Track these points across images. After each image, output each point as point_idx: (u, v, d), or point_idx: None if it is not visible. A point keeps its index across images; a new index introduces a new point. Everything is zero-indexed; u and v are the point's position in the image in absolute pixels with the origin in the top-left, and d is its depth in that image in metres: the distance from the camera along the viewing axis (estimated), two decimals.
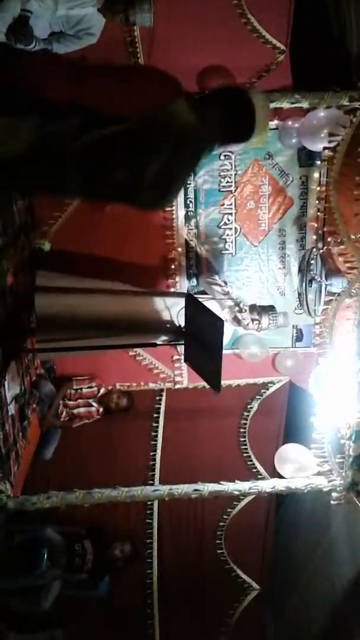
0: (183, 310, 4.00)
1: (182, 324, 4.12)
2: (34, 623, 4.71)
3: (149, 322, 4.30)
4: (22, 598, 4.48)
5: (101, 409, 4.88)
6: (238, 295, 4.69)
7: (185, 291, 4.75)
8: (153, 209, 3.62)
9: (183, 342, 4.15)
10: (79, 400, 4.86)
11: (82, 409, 4.86)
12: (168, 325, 4.31)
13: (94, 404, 4.87)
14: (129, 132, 2.37)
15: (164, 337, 4.34)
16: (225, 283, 4.49)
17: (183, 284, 4.82)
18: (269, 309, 4.40)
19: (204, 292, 4.62)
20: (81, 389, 4.87)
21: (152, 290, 4.62)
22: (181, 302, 4.17)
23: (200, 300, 4.10)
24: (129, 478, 4.64)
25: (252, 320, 4.32)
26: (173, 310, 4.26)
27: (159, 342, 4.32)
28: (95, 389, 4.90)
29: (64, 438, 4.88)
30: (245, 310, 4.34)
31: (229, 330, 4.54)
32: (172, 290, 4.79)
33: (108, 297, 4.24)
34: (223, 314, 4.24)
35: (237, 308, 4.28)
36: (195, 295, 4.26)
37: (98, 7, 3.53)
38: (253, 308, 4.40)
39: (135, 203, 2.54)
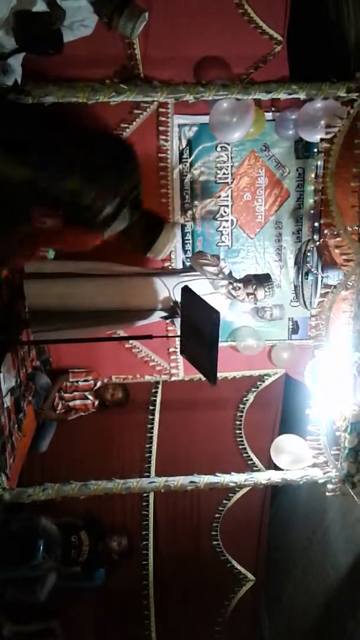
0: (179, 286, 3.89)
1: (178, 299, 4.01)
2: (30, 613, 4.73)
3: (143, 303, 4.19)
4: (17, 589, 4.50)
5: (97, 402, 4.87)
6: (231, 269, 4.42)
7: (180, 269, 4.65)
8: None
9: (179, 317, 4.05)
10: (75, 393, 4.85)
11: (77, 402, 4.85)
12: (164, 304, 4.20)
13: (90, 396, 4.86)
14: None
15: (160, 315, 4.25)
16: (218, 258, 4.27)
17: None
18: (264, 280, 4.16)
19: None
20: (77, 381, 4.87)
21: (146, 270, 4.54)
22: (176, 278, 4.10)
23: (191, 276, 4.03)
24: (125, 470, 4.65)
25: (248, 294, 4.20)
26: (170, 286, 4.13)
27: (158, 318, 4.22)
28: (92, 382, 4.89)
29: (59, 430, 4.88)
30: (239, 288, 4.15)
31: (224, 309, 4.34)
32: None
33: (100, 281, 4.13)
34: (217, 290, 4.13)
35: (230, 287, 4.18)
36: (187, 273, 4.18)
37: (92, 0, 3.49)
38: (248, 281, 4.16)
39: None
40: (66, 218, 2.76)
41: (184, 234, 4.76)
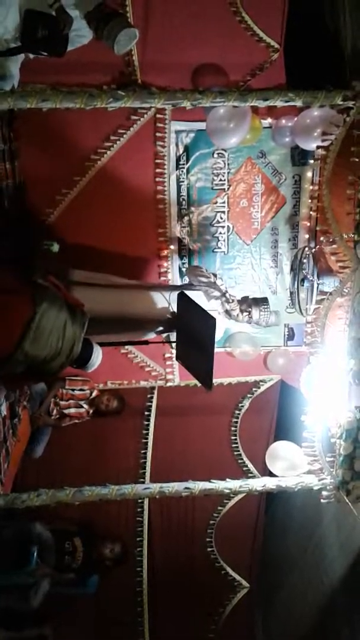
0: (175, 294, 3.91)
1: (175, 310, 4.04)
2: (23, 620, 4.70)
3: (142, 314, 4.21)
4: (11, 595, 4.47)
5: (91, 411, 4.86)
6: (228, 286, 4.55)
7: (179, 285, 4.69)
8: None
9: (176, 331, 4.08)
10: (70, 401, 4.84)
11: (72, 410, 4.84)
12: (161, 316, 4.22)
13: (84, 405, 4.85)
14: None
15: (158, 328, 4.26)
16: (215, 276, 4.36)
17: (175, 283, 4.80)
18: (261, 302, 4.30)
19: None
20: (73, 390, 4.85)
21: (146, 283, 4.57)
22: (174, 293, 4.11)
23: (188, 290, 4.05)
24: (120, 476, 4.63)
25: (242, 311, 4.23)
26: (168, 299, 4.16)
27: (154, 333, 4.24)
28: (87, 391, 4.87)
29: (54, 436, 4.86)
30: (233, 301, 4.23)
31: (221, 326, 4.45)
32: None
33: (99, 292, 4.14)
34: (212, 305, 4.16)
35: (224, 298, 4.20)
36: (184, 289, 4.19)
37: (88, 10, 3.49)
38: (244, 300, 4.29)
39: None
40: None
41: (180, 241, 4.76)
